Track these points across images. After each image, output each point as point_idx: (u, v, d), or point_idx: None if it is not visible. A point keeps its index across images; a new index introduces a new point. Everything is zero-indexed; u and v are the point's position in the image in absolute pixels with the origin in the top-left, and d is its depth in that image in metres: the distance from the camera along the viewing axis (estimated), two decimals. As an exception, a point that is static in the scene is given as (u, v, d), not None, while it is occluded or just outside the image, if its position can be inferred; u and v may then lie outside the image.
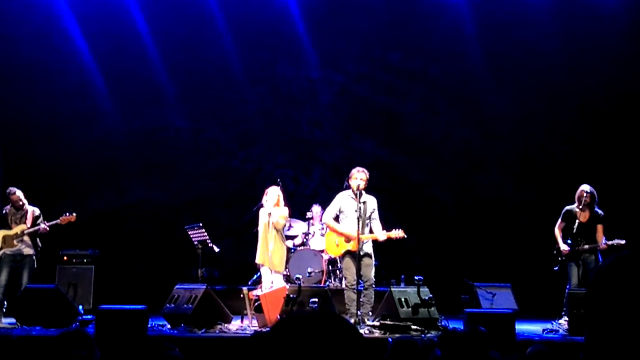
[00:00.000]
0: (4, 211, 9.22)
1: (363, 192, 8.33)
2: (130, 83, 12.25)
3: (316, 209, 11.12)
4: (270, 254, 8.73)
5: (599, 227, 8.76)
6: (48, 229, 9.11)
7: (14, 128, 11.83)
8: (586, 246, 8.68)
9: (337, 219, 8.49)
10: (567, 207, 8.95)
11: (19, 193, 9.15)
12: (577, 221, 8.72)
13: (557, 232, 8.96)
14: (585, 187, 8.79)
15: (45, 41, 12.04)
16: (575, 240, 8.74)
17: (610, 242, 8.58)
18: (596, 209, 8.79)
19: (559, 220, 8.99)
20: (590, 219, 8.77)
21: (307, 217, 11.14)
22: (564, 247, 8.82)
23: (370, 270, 8.31)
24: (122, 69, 12.22)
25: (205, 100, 12.56)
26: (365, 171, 8.40)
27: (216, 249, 9.64)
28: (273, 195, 8.91)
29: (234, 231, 12.11)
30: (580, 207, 8.76)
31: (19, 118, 11.90)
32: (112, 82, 12.22)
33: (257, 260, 8.92)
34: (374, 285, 8.37)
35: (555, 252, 8.94)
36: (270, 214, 8.78)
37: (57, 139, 12.02)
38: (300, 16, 12.35)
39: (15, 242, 9.01)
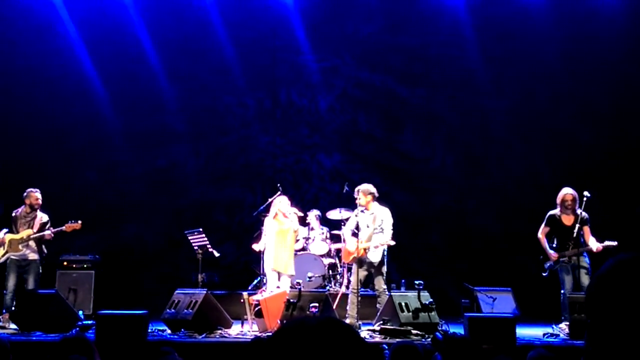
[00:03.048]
0: (13, 213, 9.19)
1: (375, 204, 8.86)
2: (130, 87, 12.27)
3: (312, 214, 11.12)
4: (285, 259, 9.12)
5: (586, 229, 8.68)
6: (53, 235, 9.11)
7: (13, 131, 11.84)
8: (573, 250, 8.58)
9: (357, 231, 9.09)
10: (551, 212, 8.89)
11: (39, 194, 9.17)
12: (562, 225, 8.68)
13: (542, 238, 8.90)
14: (568, 191, 8.74)
15: (45, 46, 12.07)
16: (562, 245, 8.68)
17: (602, 245, 8.50)
18: (579, 211, 8.68)
19: (543, 226, 8.92)
20: (575, 222, 8.66)
21: (306, 221, 11.13)
22: (551, 252, 8.77)
23: (379, 280, 8.78)
24: (122, 73, 12.23)
25: (204, 104, 12.57)
26: (361, 188, 8.87)
27: (216, 254, 9.65)
28: (286, 204, 9.27)
29: (234, 236, 12.10)
30: (564, 211, 8.71)
31: (19, 122, 11.91)
32: (112, 86, 12.23)
33: (274, 267, 9.09)
34: (386, 292, 8.71)
35: (542, 258, 8.90)
36: (292, 220, 9.20)
37: (56, 143, 12.03)
38: (299, 20, 12.37)
39: (20, 246, 8.99)
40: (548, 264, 8.81)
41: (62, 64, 12.12)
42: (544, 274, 8.88)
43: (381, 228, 8.74)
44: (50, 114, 12.06)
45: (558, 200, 8.79)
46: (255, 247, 9.44)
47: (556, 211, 8.83)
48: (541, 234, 8.91)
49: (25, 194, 9.18)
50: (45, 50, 12.09)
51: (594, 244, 8.55)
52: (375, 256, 8.73)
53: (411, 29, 12.41)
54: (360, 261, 8.78)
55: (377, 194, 8.88)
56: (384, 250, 8.79)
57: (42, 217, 9.21)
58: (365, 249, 8.71)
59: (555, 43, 11.91)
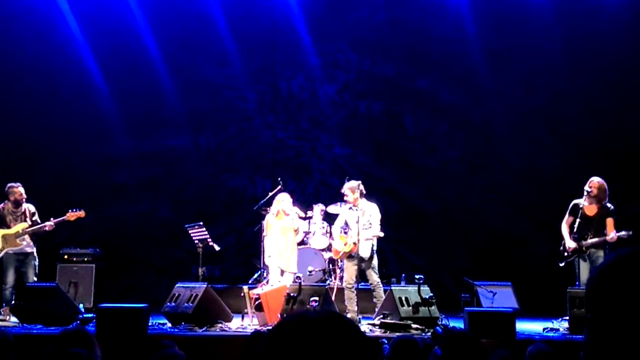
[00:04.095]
0: None
1: (363, 199, 8.93)
2: (130, 81, 12.25)
3: (317, 208, 11.14)
4: (288, 255, 9.20)
5: (609, 221, 8.40)
6: (54, 226, 9.09)
7: (14, 127, 11.84)
8: (591, 240, 8.39)
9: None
10: (575, 201, 8.62)
11: (22, 189, 9.13)
12: (583, 214, 8.39)
13: (565, 227, 8.64)
14: (595, 179, 8.50)
15: (46, 40, 12.07)
16: (581, 235, 8.44)
17: (618, 234, 8.27)
18: (606, 203, 8.46)
19: (567, 215, 8.67)
20: (599, 213, 8.43)
21: (307, 216, 11.14)
22: (570, 243, 8.51)
23: (371, 274, 8.84)
24: (123, 67, 12.22)
25: (204, 100, 12.56)
26: (348, 186, 8.96)
27: (217, 248, 9.66)
28: (288, 203, 9.33)
29: (234, 230, 12.11)
30: (589, 200, 8.42)
31: (20, 117, 11.91)
32: (113, 81, 12.23)
33: (272, 262, 9.19)
34: (380, 285, 8.80)
35: (562, 247, 8.66)
36: (293, 219, 9.30)
37: (56, 138, 12.03)
38: (301, 14, 12.35)
39: (18, 240, 8.99)
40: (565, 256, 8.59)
41: (62, 58, 12.10)
42: (560, 264, 8.67)
43: (370, 223, 8.81)
44: (51, 108, 12.05)
45: (585, 189, 8.52)
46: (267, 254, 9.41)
47: (580, 200, 8.57)
48: (565, 223, 8.65)
49: (7, 189, 9.08)
50: (46, 44, 12.07)
51: (610, 235, 8.31)
52: (364, 251, 8.78)
53: (413, 22, 12.37)
54: (351, 256, 8.84)
55: (364, 191, 8.95)
56: (372, 245, 8.84)
57: (28, 208, 9.17)
58: (355, 244, 8.74)
59: (557, 38, 11.87)
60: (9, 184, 9.15)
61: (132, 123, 12.36)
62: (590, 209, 8.52)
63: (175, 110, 12.50)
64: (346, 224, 9.01)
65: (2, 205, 9.16)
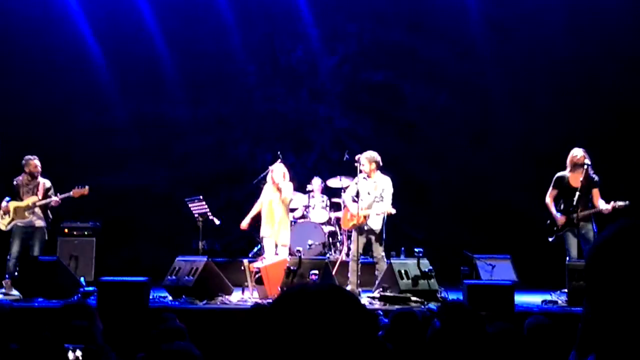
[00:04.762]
0: (15, 182, 9.21)
1: (378, 172, 8.86)
2: (130, 54, 12.19)
3: (316, 181, 11.15)
4: (277, 227, 9.08)
5: (595, 192, 8.41)
6: (60, 201, 9.15)
7: (11, 100, 11.79)
8: (583, 213, 8.32)
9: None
10: (559, 174, 8.62)
11: (38, 161, 9.17)
12: (569, 187, 8.36)
13: (549, 201, 8.65)
14: (579, 150, 8.46)
15: (42, 13, 11.97)
16: (569, 208, 8.42)
17: (613, 204, 8.24)
18: (591, 174, 8.44)
19: (550, 188, 8.68)
20: (585, 184, 8.38)
21: (307, 189, 11.15)
22: (558, 216, 8.54)
23: (377, 248, 8.84)
24: (121, 40, 12.14)
25: (204, 73, 12.50)
26: (366, 155, 8.84)
27: (217, 222, 9.68)
28: (279, 173, 9.15)
29: (234, 204, 12.12)
30: (574, 170, 8.39)
31: (18, 90, 11.85)
32: (111, 53, 12.16)
33: (262, 234, 9.10)
34: (385, 260, 8.79)
35: (549, 222, 8.69)
36: (280, 189, 9.07)
37: (56, 112, 11.98)
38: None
39: (26, 213, 9.05)
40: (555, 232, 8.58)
41: (60, 30, 12.01)
42: (550, 239, 8.69)
43: (381, 196, 8.78)
44: (49, 81, 11.98)
45: (568, 161, 8.52)
46: (244, 223, 9.44)
47: (564, 172, 8.56)
48: (549, 197, 8.66)
49: (23, 161, 9.19)
50: (43, 16, 11.97)
51: (603, 205, 8.30)
52: (375, 224, 8.78)
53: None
54: (360, 229, 8.82)
55: (381, 162, 8.88)
56: (384, 218, 8.82)
57: (44, 182, 9.24)
58: (365, 217, 8.73)
59: (558, 8, 11.77)
60: (26, 156, 9.23)
61: (132, 96, 12.31)
62: (576, 181, 8.44)
63: (175, 82, 12.45)
64: (357, 194, 8.92)
65: (20, 177, 9.22)
